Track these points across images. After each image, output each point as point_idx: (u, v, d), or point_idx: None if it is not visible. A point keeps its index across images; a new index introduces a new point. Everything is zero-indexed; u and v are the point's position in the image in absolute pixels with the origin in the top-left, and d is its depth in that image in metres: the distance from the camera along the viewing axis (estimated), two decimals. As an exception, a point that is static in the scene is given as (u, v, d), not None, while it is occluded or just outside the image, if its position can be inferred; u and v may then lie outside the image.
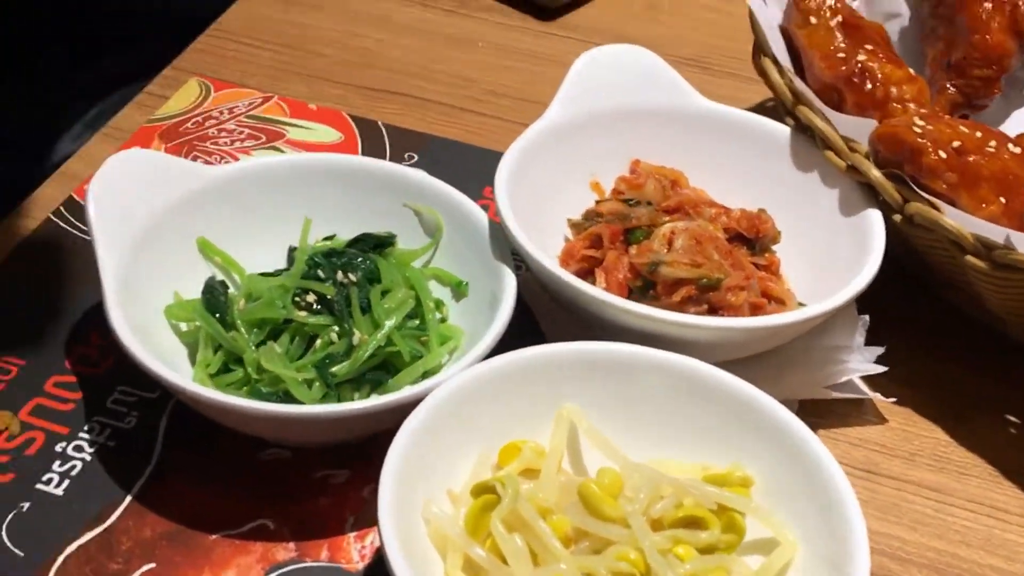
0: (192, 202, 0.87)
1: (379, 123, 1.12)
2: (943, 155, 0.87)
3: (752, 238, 0.92)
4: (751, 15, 1.00)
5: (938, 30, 1.07)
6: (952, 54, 1.05)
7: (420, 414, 0.72)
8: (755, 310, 0.86)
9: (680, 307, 0.84)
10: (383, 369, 0.83)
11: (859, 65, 0.98)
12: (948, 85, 1.04)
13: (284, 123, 1.10)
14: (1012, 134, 0.99)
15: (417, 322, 0.85)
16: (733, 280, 0.85)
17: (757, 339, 0.84)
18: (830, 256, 0.91)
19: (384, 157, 1.07)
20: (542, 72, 1.21)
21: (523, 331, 0.85)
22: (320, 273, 0.84)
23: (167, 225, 0.86)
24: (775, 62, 0.98)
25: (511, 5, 1.32)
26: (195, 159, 1.04)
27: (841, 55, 0.98)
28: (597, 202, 0.95)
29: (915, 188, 0.88)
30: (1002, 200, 0.87)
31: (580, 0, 1.33)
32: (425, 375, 0.83)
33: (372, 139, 1.10)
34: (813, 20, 1.01)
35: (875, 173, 0.89)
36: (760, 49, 0.99)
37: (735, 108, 0.99)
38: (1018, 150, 0.92)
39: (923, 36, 1.09)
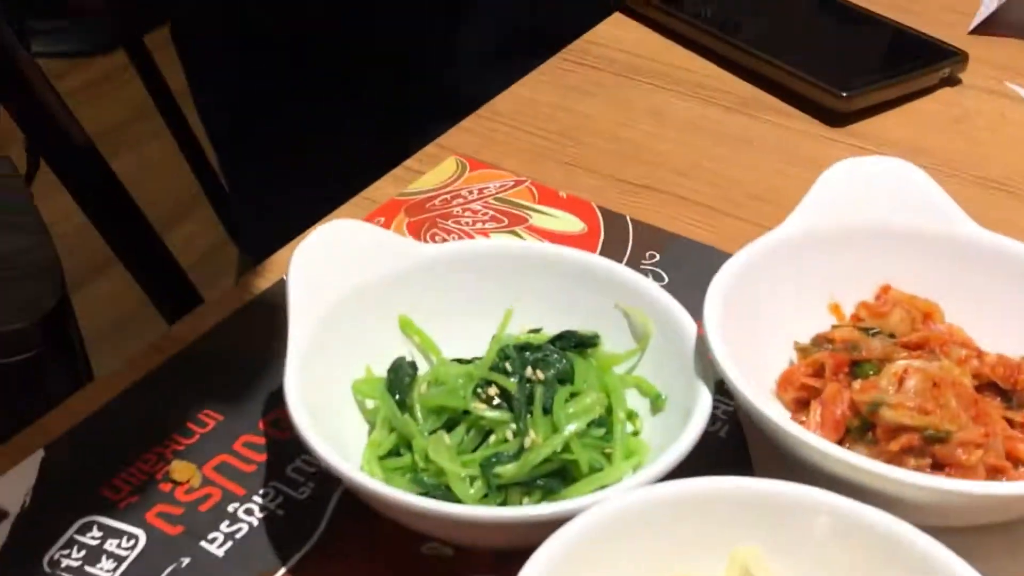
0: (400, 278, 0.86)
1: (627, 217, 1.07)
2: None
3: (1008, 389, 0.80)
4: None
5: None
6: None
7: (569, 531, 0.66)
8: (993, 473, 0.74)
9: (899, 457, 0.74)
10: (560, 477, 0.77)
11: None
12: None
13: (530, 208, 1.08)
14: None
15: (604, 431, 0.79)
16: (968, 434, 0.74)
17: (985, 508, 0.71)
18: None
19: (624, 252, 1.02)
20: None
21: (731, 459, 0.78)
22: (508, 366, 0.80)
23: (370, 299, 0.84)
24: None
25: (800, 108, 1.24)
26: (434, 236, 1.03)
27: None
28: (834, 327, 0.86)
29: None
30: None
31: (877, 108, 1.23)
32: (603, 489, 0.76)
33: (616, 232, 1.05)
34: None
35: None
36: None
37: (1014, 240, 0.87)
38: None
39: None
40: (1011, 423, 0.78)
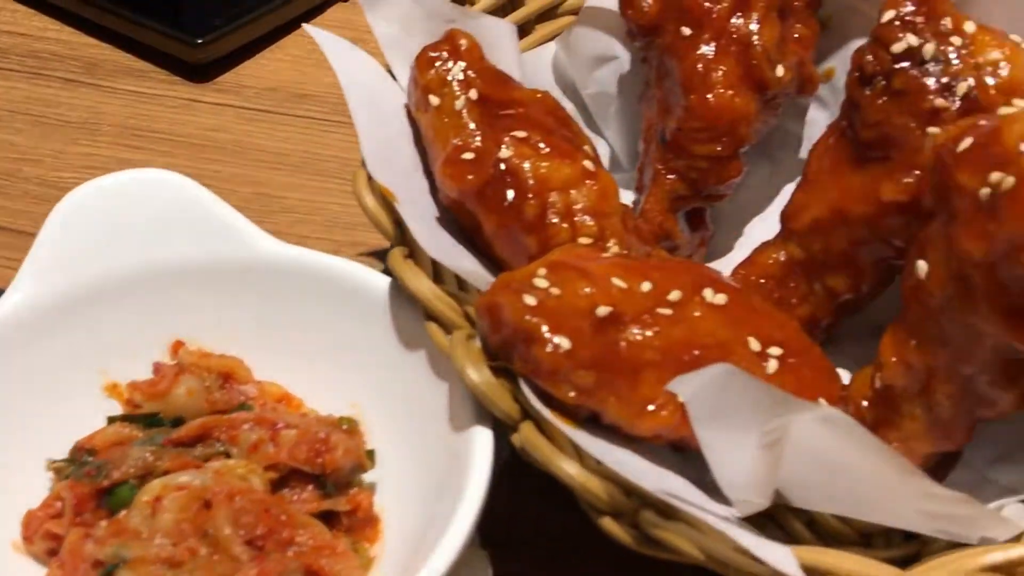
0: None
1: None
2: (564, 344, 0.53)
3: (319, 474, 0.59)
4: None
5: (652, 85, 0.72)
6: (667, 122, 0.70)
7: None
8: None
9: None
10: None
11: (501, 165, 0.64)
12: (663, 169, 0.70)
13: None
14: (775, 215, 0.67)
15: None
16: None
17: None
18: (437, 487, 0.58)
19: None
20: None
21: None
22: None
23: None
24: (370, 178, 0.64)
25: (160, 65, 0.98)
26: None
27: (469, 154, 0.64)
28: (105, 426, 0.62)
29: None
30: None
31: (250, 48, 0.99)
32: None
33: None
34: (435, 100, 0.66)
35: (474, 378, 0.55)
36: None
37: (326, 255, 0.66)
38: (720, 299, 0.58)
39: (641, 94, 0.75)
40: (328, 519, 0.58)
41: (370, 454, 0.61)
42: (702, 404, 0.49)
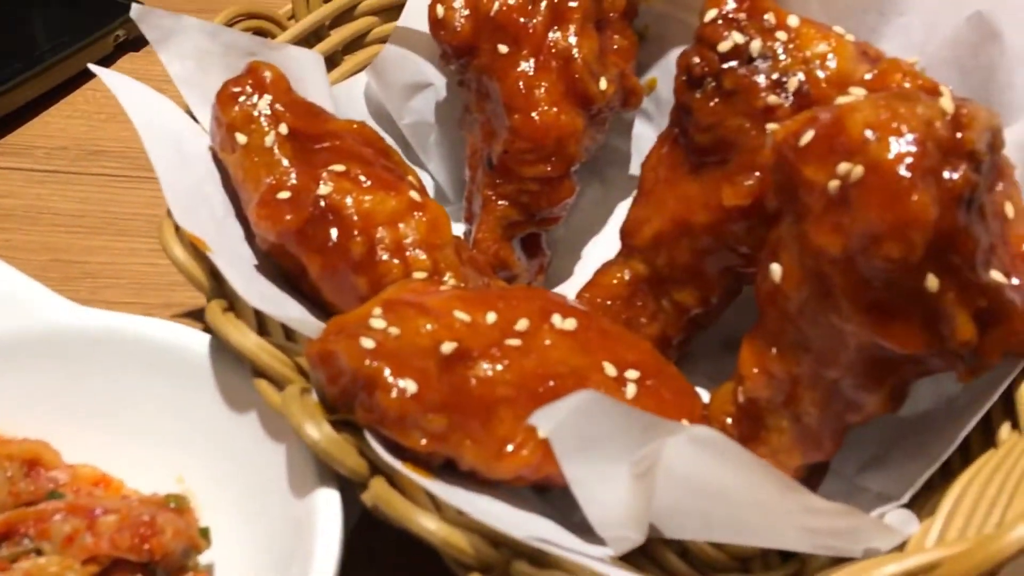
0: None
1: None
2: (409, 387, 0.49)
3: (147, 561, 0.53)
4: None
5: (472, 109, 0.69)
6: (492, 146, 0.67)
7: None
8: None
9: None
10: None
11: (321, 202, 0.59)
12: (492, 195, 0.67)
13: None
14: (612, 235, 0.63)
15: None
16: None
17: None
18: (283, 560, 0.52)
19: None
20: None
21: None
22: None
23: None
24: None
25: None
26: None
27: (285, 193, 0.59)
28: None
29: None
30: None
31: (38, 105, 0.92)
32: None
33: None
34: (242, 138, 0.61)
35: (313, 435, 0.50)
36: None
37: (132, 316, 0.59)
38: (570, 324, 0.55)
39: (461, 119, 0.71)
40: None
41: (204, 532, 0.55)
42: (566, 437, 0.45)
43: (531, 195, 0.66)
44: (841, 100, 0.50)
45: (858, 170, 0.46)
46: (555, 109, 0.64)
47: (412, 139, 0.74)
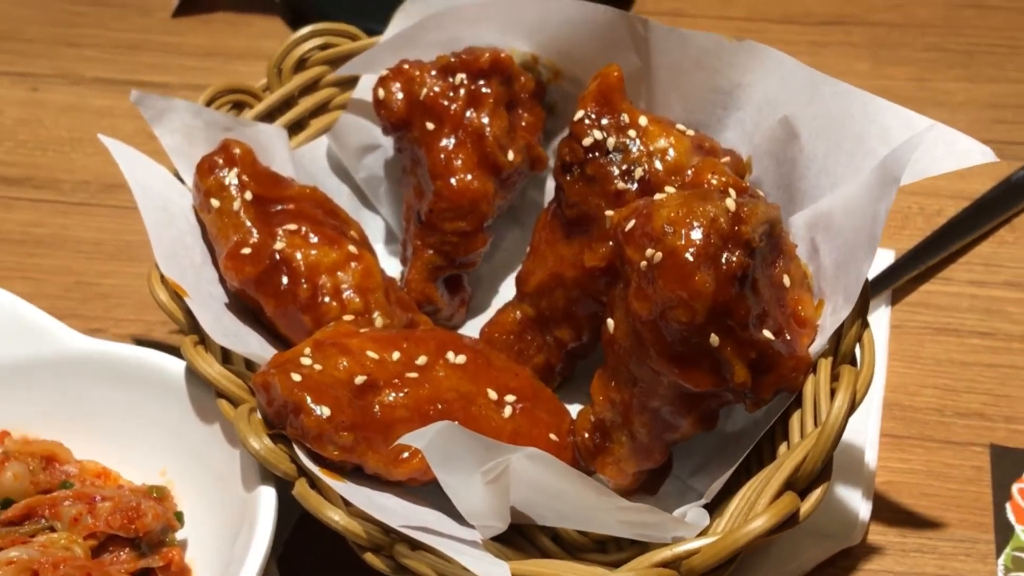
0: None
1: None
2: (325, 411, 0.65)
3: (135, 537, 0.69)
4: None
5: (408, 172, 0.84)
6: (421, 204, 0.82)
7: None
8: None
9: None
10: None
11: (277, 255, 0.75)
12: (421, 244, 0.82)
13: None
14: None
15: None
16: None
17: None
18: (235, 539, 0.68)
19: None
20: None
21: None
22: None
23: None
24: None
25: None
26: None
27: (247, 249, 0.75)
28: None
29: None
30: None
31: (65, 143, 1.08)
32: None
33: None
34: (215, 202, 0.77)
35: (255, 445, 0.66)
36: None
37: (126, 345, 0.76)
38: (461, 359, 0.71)
39: (400, 178, 0.86)
40: (147, 573, 0.68)
41: (179, 516, 0.71)
42: (435, 452, 0.60)
43: (452, 245, 0.81)
44: (658, 196, 0.65)
45: (659, 254, 0.61)
46: (470, 176, 0.80)
47: (366, 190, 0.90)
